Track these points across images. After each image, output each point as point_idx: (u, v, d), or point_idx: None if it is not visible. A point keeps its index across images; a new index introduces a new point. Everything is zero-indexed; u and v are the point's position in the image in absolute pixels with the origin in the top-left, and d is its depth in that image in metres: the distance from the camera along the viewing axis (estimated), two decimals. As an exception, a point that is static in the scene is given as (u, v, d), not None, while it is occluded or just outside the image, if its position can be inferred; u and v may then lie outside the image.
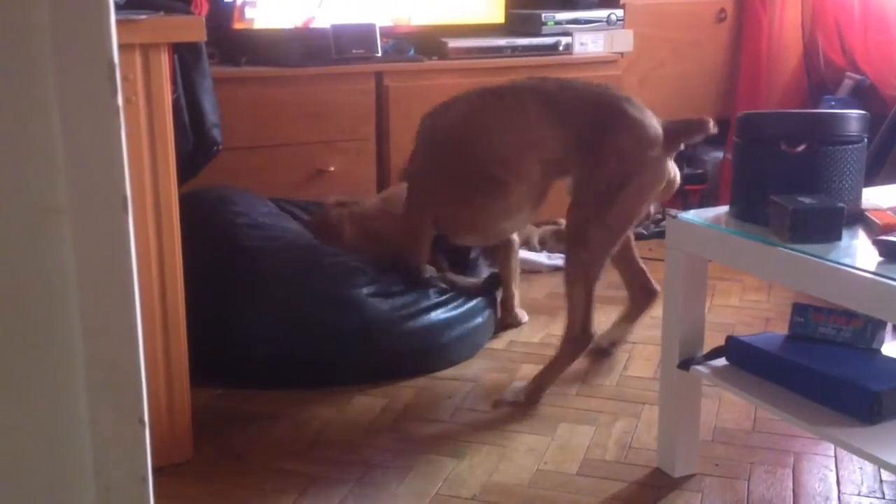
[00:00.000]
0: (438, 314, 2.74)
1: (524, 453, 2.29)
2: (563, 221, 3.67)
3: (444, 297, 2.78)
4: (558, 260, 3.66)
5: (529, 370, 2.75)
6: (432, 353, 2.72)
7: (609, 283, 3.46)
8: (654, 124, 2.54)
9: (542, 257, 3.67)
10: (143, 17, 1.95)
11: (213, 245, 2.70)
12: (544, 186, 2.70)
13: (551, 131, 2.59)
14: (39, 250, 0.75)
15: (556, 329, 3.07)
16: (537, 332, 3.05)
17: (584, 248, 2.52)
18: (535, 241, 3.73)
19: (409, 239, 2.84)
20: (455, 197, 2.73)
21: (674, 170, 2.60)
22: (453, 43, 3.65)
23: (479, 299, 2.88)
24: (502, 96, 2.69)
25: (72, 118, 0.73)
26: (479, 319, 2.85)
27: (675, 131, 2.55)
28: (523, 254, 3.64)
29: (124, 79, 1.91)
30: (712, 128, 2.56)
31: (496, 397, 2.57)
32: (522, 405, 2.52)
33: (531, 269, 3.61)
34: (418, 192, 2.81)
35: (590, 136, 2.54)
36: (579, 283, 2.53)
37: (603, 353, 2.83)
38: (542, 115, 2.60)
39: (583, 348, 2.60)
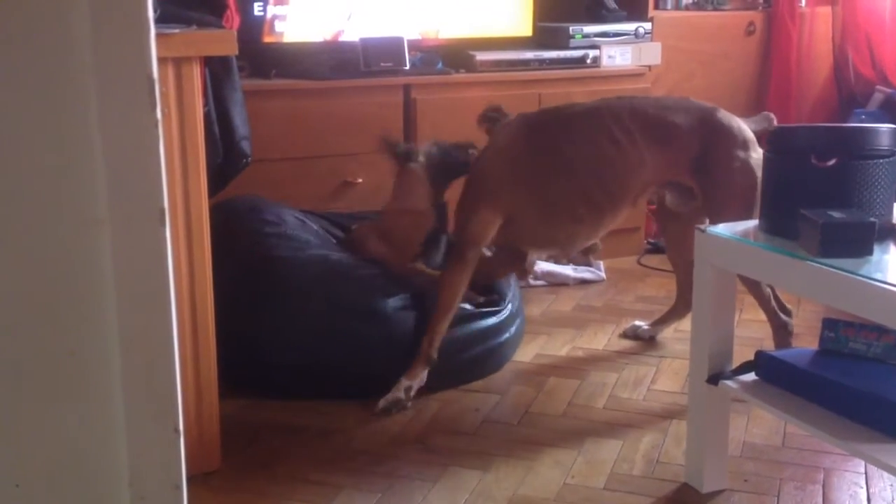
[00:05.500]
0: (465, 328, 2.74)
1: (551, 467, 2.28)
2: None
3: (471, 312, 2.78)
4: (585, 273, 3.66)
5: (556, 383, 2.74)
6: (459, 366, 2.72)
7: (637, 297, 3.46)
8: (743, 128, 2.69)
9: (568, 270, 3.66)
10: (177, 31, 1.97)
11: (242, 255, 2.72)
12: (634, 204, 2.76)
13: (656, 154, 2.65)
14: (80, 260, 0.76)
15: (582, 342, 3.06)
16: (564, 344, 3.04)
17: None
18: (562, 253, 3.73)
19: (465, 230, 2.70)
20: (542, 209, 2.71)
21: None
22: (481, 56, 3.66)
23: (507, 313, 2.87)
24: (598, 116, 2.70)
25: (112, 132, 0.75)
26: (506, 335, 2.85)
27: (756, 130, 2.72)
28: (550, 266, 3.64)
29: (157, 92, 1.93)
30: (774, 122, 2.77)
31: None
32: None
33: (558, 283, 3.61)
34: (493, 189, 2.71)
35: (697, 157, 2.63)
36: (758, 284, 2.61)
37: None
38: (646, 136, 2.66)
39: (789, 327, 2.70)
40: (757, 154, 2.63)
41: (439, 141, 2.99)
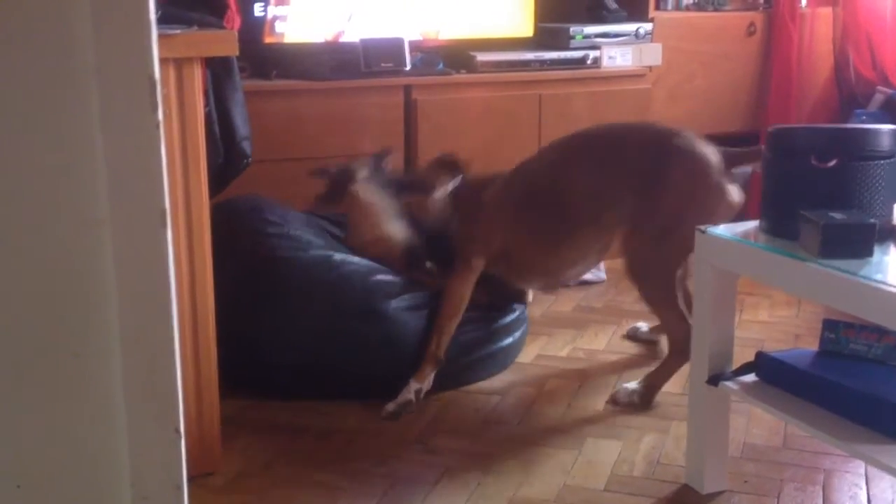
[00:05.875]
0: (468, 331, 2.74)
1: (551, 468, 2.28)
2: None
3: (474, 315, 2.78)
4: (586, 274, 3.66)
5: (556, 384, 2.75)
6: (460, 368, 2.72)
7: (638, 298, 3.46)
8: (706, 153, 2.63)
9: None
10: (178, 31, 1.97)
11: (244, 255, 2.72)
12: (613, 231, 2.75)
13: (617, 177, 2.67)
14: (81, 261, 0.76)
15: (583, 342, 3.07)
16: (564, 345, 3.05)
17: (647, 279, 2.64)
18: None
19: (472, 241, 2.78)
20: (535, 241, 2.77)
21: (735, 192, 2.65)
22: (482, 56, 3.66)
23: (511, 318, 2.87)
24: (575, 145, 2.78)
25: (113, 133, 0.75)
26: (509, 339, 2.84)
27: (731, 158, 2.67)
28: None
29: (158, 92, 1.93)
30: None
31: (612, 395, 2.65)
32: (637, 406, 2.60)
33: (558, 283, 3.60)
34: (490, 223, 2.80)
35: (646, 175, 2.63)
36: (661, 306, 2.65)
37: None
38: (610, 161, 2.69)
39: (688, 355, 2.62)
40: (710, 182, 2.57)
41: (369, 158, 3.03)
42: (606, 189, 2.68)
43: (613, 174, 2.68)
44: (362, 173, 2.94)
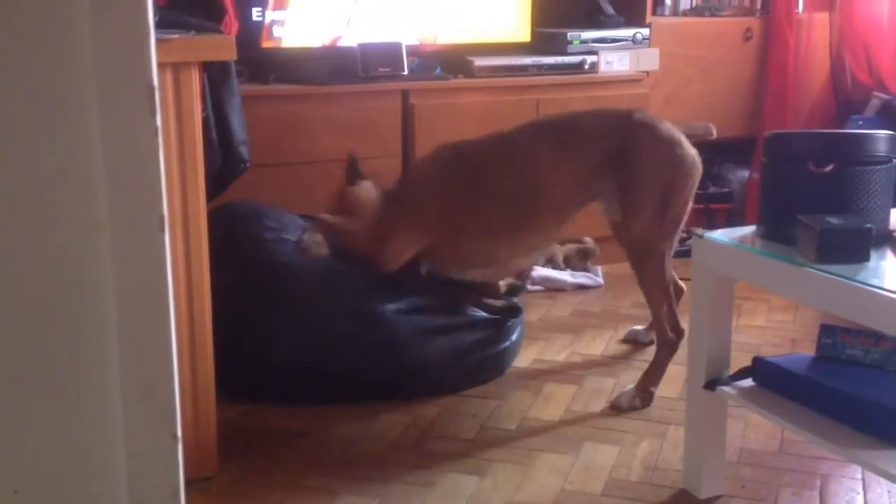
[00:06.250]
0: (466, 336, 2.74)
1: (548, 472, 2.28)
2: (588, 240, 3.69)
3: (472, 319, 2.78)
4: (582, 278, 3.66)
5: (553, 389, 2.75)
6: (458, 373, 2.72)
7: (635, 303, 3.46)
8: (668, 126, 2.70)
9: (566, 275, 3.67)
10: (175, 36, 1.98)
11: (241, 259, 2.72)
12: (566, 218, 2.77)
13: (571, 163, 2.68)
14: (79, 265, 0.76)
15: (580, 347, 3.07)
16: (562, 350, 3.05)
17: (651, 257, 2.66)
18: (560, 259, 3.73)
19: (385, 254, 2.74)
20: (476, 232, 2.73)
21: (698, 155, 2.73)
22: (479, 61, 3.67)
23: (508, 322, 2.87)
24: (518, 137, 2.76)
25: (112, 138, 0.75)
26: (506, 343, 2.84)
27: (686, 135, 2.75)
28: (548, 272, 3.65)
29: (156, 97, 1.93)
30: (714, 134, 2.85)
31: (612, 403, 2.65)
32: (640, 408, 2.62)
33: (556, 287, 3.61)
34: (419, 218, 2.75)
35: (616, 156, 2.65)
36: (656, 289, 2.68)
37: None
38: (557, 150, 2.69)
39: (676, 346, 2.72)
40: (682, 151, 2.66)
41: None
42: (569, 174, 2.68)
43: (575, 158, 2.68)
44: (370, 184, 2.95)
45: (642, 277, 2.70)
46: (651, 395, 2.66)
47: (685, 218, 2.72)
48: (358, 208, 2.82)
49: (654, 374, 2.69)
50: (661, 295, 2.67)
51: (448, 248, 2.76)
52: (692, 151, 2.69)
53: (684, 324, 2.54)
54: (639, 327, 3.12)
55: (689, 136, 2.72)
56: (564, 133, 2.73)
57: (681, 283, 2.98)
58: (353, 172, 2.95)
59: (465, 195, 2.74)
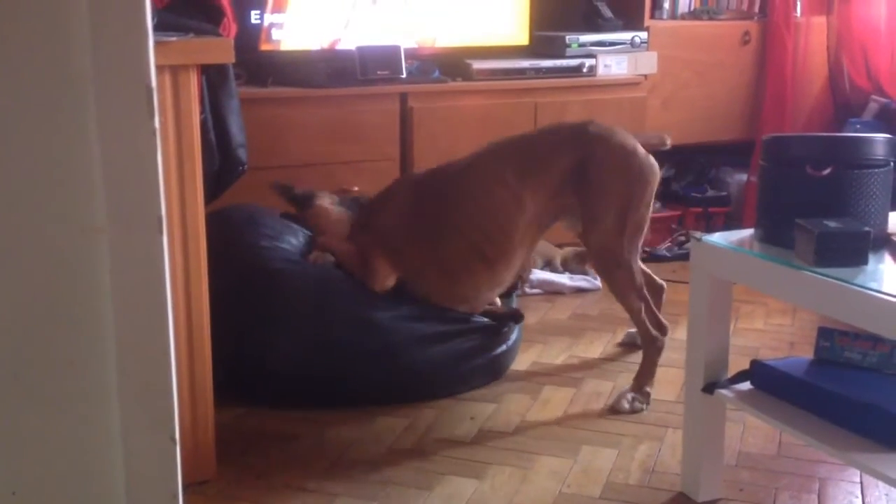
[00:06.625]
0: (462, 342, 2.72)
1: (546, 476, 2.28)
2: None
3: (468, 325, 2.76)
4: (581, 281, 3.66)
5: (551, 392, 2.74)
6: (455, 378, 2.71)
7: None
8: (623, 135, 2.71)
9: (564, 279, 3.67)
10: (174, 39, 1.98)
11: (239, 265, 2.71)
12: (532, 246, 2.81)
13: (532, 191, 2.67)
14: (78, 268, 0.76)
15: (578, 350, 3.06)
16: (560, 353, 3.05)
17: (618, 267, 2.67)
18: (558, 262, 3.73)
19: (371, 278, 2.71)
20: (439, 269, 2.72)
21: (656, 163, 2.75)
22: (478, 64, 3.67)
23: (507, 328, 2.86)
24: (473, 170, 2.74)
25: (110, 140, 0.75)
26: (503, 347, 2.83)
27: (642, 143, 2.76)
28: (546, 275, 3.65)
29: (154, 100, 1.93)
30: (668, 144, 2.87)
31: (612, 406, 2.65)
32: (640, 409, 2.64)
33: (554, 291, 3.61)
34: (390, 249, 2.73)
35: (574, 171, 2.66)
36: (630, 294, 2.70)
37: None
38: (518, 179, 2.67)
39: (662, 343, 2.74)
40: (638, 159, 2.67)
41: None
42: (532, 204, 2.67)
43: (536, 185, 2.67)
44: (325, 199, 2.98)
45: (613, 286, 2.72)
46: (648, 395, 2.66)
47: (647, 224, 2.73)
48: (332, 233, 2.86)
49: (645, 373, 2.70)
50: (635, 299, 2.70)
51: (416, 285, 2.75)
52: (649, 159, 2.70)
53: (682, 326, 2.54)
54: (635, 330, 3.11)
55: (644, 145, 2.73)
56: (522, 159, 2.71)
57: (659, 280, 3.00)
58: (295, 198, 2.96)
59: (423, 234, 2.73)
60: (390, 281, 2.72)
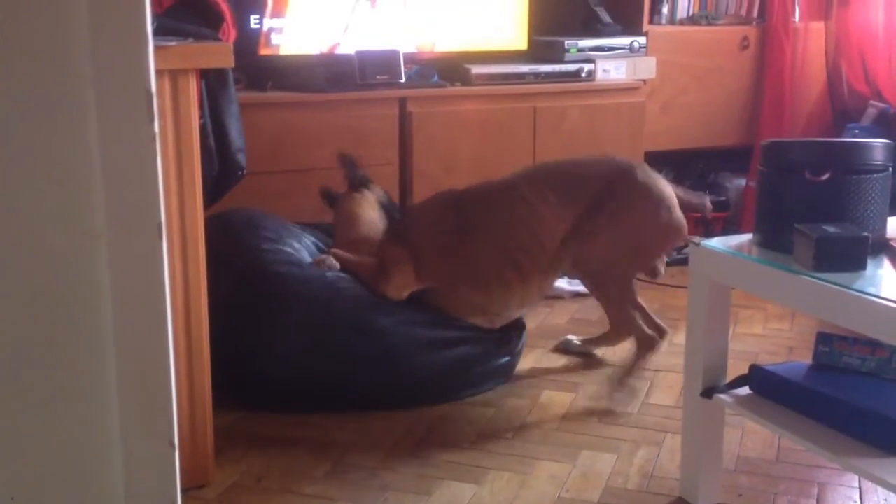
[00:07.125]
0: (464, 350, 2.72)
1: (545, 480, 2.28)
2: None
3: (471, 333, 2.75)
4: (580, 286, 3.66)
5: (550, 396, 2.74)
6: (455, 385, 2.71)
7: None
8: (663, 186, 2.74)
9: (563, 283, 3.66)
10: (173, 43, 1.98)
11: (238, 269, 2.71)
12: (560, 269, 2.83)
13: (570, 215, 2.70)
14: (77, 272, 0.76)
15: (577, 355, 3.06)
16: (560, 358, 3.04)
17: (607, 298, 2.77)
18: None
19: (388, 288, 2.73)
20: (474, 279, 2.73)
21: (685, 224, 2.78)
22: (477, 69, 3.67)
23: (510, 337, 2.86)
24: (514, 187, 2.76)
25: (110, 145, 0.75)
26: (506, 357, 2.83)
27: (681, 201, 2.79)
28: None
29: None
30: (709, 210, 2.95)
31: (613, 381, 2.76)
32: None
33: (553, 296, 3.60)
34: (412, 260, 2.74)
35: (605, 202, 2.69)
36: (624, 308, 2.76)
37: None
38: (559, 202, 2.71)
39: (655, 341, 2.79)
40: (671, 214, 2.70)
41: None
42: (567, 228, 2.70)
43: (576, 210, 2.70)
44: (377, 189, 3.02)
45: (602, 298, 2.77)
46: (630, 388, 2.74)
47: (661, 270, 2.82)
48: (361, 244, 2.86)
49: (636, 368, 2.78)
50: (630, 309, 2.74)
51: (442, 296, 2.76)
52: (680, 216, 2.73)
53: (681, 331, 2.55)
54: (571, 336, 3.11)
55: (683, 200, 2.75)
56: (566, 184, 2.73)
57: (663, 325, 2.97)
58: (354, 174, 2.97)
59: (461, 245, 2.74)
60: (407, 291, 2.73)
